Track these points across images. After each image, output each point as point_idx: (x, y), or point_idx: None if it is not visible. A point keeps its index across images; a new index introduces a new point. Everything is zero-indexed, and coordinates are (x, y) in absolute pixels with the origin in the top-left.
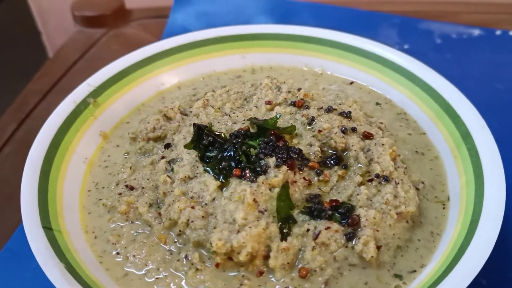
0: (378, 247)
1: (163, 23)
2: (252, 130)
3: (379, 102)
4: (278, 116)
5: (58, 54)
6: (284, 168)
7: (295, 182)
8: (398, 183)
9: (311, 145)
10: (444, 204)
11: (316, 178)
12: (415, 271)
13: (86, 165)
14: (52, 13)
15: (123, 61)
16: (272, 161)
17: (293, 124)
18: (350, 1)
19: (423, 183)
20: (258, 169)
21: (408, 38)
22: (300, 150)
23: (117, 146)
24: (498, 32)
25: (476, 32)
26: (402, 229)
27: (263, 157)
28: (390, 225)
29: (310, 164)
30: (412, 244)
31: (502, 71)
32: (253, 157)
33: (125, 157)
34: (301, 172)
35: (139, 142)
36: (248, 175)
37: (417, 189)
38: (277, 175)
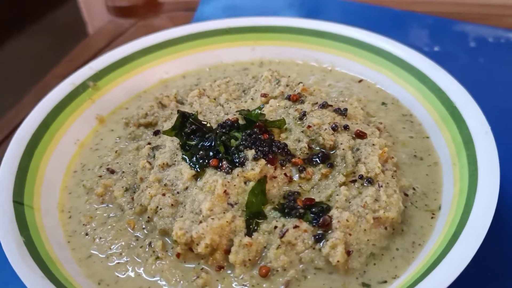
0: (348, 252)
1: (192, 16)
2: (241, 122)
3: (385, 102)
4: (261, 107)
5: (87, 42)
6: (263, 161)
7: (275, 177)
8: (382, 186)
9: (299, 141)
10: (433, 214)
11: (297, 175)
12: (385, 281)
13: (77, 147)
14: (95, 4)
15: (128, 48)
16: (251, 153)
17: (285, 118)
18: (385, 0)
19: (414, 189)
20: (236, 160)
21: (439, 40)
22: (285, 145)
23: (112, 130)
24: None
25: None
26: (379, 235)
27: (243, 149)
28: (365, 230)
29: (294, 160)
30: (388, 253)
31: None
32: (233, 148)
33: (116, 142)
34: (283, 167)
35: (130, 127)
36: (224, 166)
37: (406, 195)
38: (254, 168)
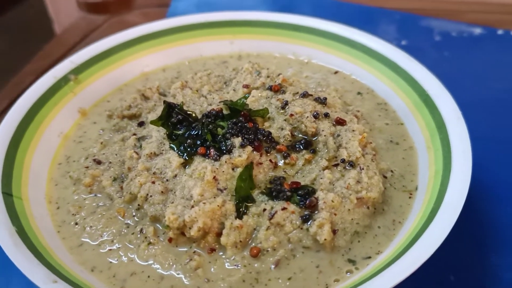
0: (334, 231)
1: (165, 12)
2: (225, 112)
3: (361, 92)
4: (247, 96)
5: (59, 38)
6: (249, 148)
7: (261, 163)
8: (363, 169)
9: (282, 129)
10: (411, 194)
11: (282, 161)
12: (369, 257)
13: (60, 139)
14: (62, 0)
15: (108, 41)
16: (237, 141)
17: (267, 107)
18: None
19: (392, 171)
20: (223, 148)
21: (407, 35)
22: (269, 133)
23: (94, 123)
24: (500, 32)
25: (478, 31)
26: (362, 215)
27: (229, 137)
28: (349, 210)
29: (278, 147)
30: (371, 231)
31: (501, 70)
32: (219, 136)
33: (100, 134)
34: (268, 154)
35: (114, 119)
36: (212, 153)
37: (385, 177)
38: (241, 155)
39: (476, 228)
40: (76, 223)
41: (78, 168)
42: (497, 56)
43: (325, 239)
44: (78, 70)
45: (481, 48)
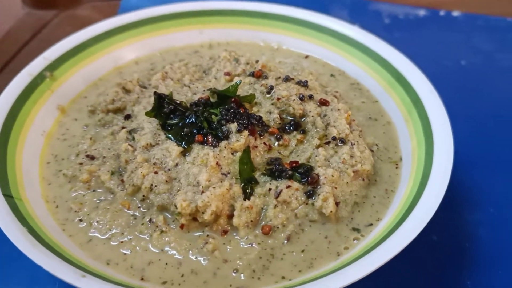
0: (337, 203)
1: (116, 6)
2: (212, 100)
3: (333, 73)
4: (238, 83)
5: (8, 36)
6: (246, 133)
7: (256, 147)
8: (354, 144)
9: (270, 113)
10: (397, 164)
11: (276, 143)
12: (371, 224)
13: (44, 138)
14: None
15: (80, 36)
16: (234, 126)
17: (253, 93)
18: None
19: (377, 145)
20: (220, 134)
21: (358, 19)
22: (260, 117)
23: (75, 119)
24: (441, 13)
25: (422, 12)
26: (358, 186)
27: (224, 123)
28: (347, 182)
29: (270, 130)
30: (368, 200)
31: (447, 49)
32: (215, 123)
33: (84, 130)
34: (261, 137)
35: (98, 114)
36: (210, 140)
37: (372, 151)
38: (239, 139)
39: (452, 192)
40: (81, 220)
41: (71, 165)
42: (441, 35)
43: (330, 211)
44: (53, 66)
45: (427, 28)
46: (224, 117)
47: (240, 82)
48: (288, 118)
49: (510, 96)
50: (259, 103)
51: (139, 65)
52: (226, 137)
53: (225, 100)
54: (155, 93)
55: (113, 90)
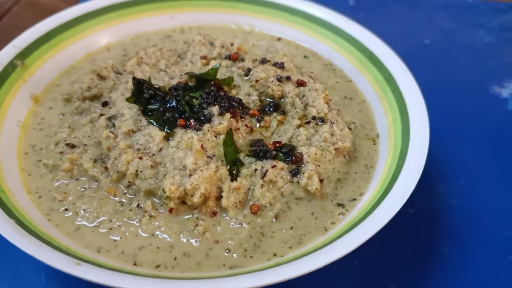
0: (321, 180)
1: None
2: (190, 84)
3: (306, 55)
4: (218, 66)
5: None
6: (228, 115)
7: (238, 129)
8: (333, 123)
9: (249, 95)
10: (374, 141)
11: (258, 125)
12: (355, 199)
13: (19, 128)
14: None
15: (49, 22)
16: (215, 109)
17: (231, 76)
18: None
19: (354, 123)
20: (202, 118)
21: (323, 2)
22: (240, 100)
23: (50, 108)
24: None
25: None
26: (340, 163)
27: (206, 106)
28: (329, 160)
29: (251, 112)
30: (350, 176)
31: (412, 28)
32: (196, 107)
33: (61, 118)
34: (242, 119)
35: (74, 102)
36: (193, 124)
37: (350, 128)
38: (222, 122)
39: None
40: (67, 209)
41: (51, 155)
42: (404, 15)
43: (316, 188)
44: (23, 54)
45: (390, 9)
46: (205, 100)
47: (220, 65)
48: (267, 99)
49: (471, 72)
50: (238, 86)
51: (110, 51)
52: (209, 120)
53: (203, 83)
54: (134, 78)
55: (88, 77)
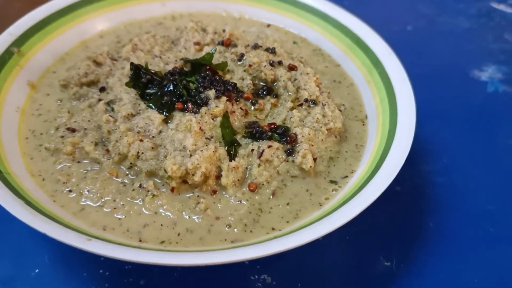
0: (314, 159)
1: None
2: (185, 69)
3: (295, 40)
4: (213, 51)
5: None
6: (224, 98)
7: (234, 112)
8: (325, 105)
9: (243, 79)
10: (363, 121)
11: (252, 108)
12: (347, 176)
13: (19, 114)
14: None
15: (44, 10)
16: (212, 93)
17: (224, 61)
18: None
19: (343, 105)
20: (199, 101)
21: None
22: (235, 84)
23: (48, 94)
24: None
25: None
26: (332, 143)
27: (202, 90)
28: (322, 140)
29: (245, 95)
30: (341, 155)
31: (394, 14)
32: (193, 91)
33: (59, 104)
34: (238, 103)
35: (72, 88)
36: (190, 107)
37: (340, 110)
38: (218, 105)
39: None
40: (70, 190)
41: (52, 139)
42: (386, 1)
43: (310, 166)
44: (19, 42)
45: None
46: (201, 84)
47: (215, 50)
48: (260, 83)
49: (452, 57)
50: (232, 71)
51: (104, 38)
52: (205, 103)
53: (198, 68)
54: (131, 63)
55: (85, 63)
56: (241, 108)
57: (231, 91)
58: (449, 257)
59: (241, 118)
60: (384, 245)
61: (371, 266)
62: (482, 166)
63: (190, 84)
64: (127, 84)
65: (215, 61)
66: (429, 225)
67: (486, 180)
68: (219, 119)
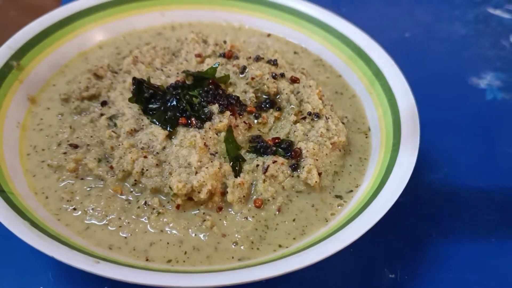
0: (319, 174)
1: None
2: (187, 82)
3: (296, 51)
4: (216, 65)
5: None
6: (228, 113)
7: (237, 126)
8: (328, 118)
9: (245, 92)
10: (366, 134)
11: (256, 121)
12: (351, 190)
13: (19, 130)
14: None
15: (42, 22)
16: (215, 107)
17: (226, 74)
18: None
19: (346, 117)
20: (203, 116)
21: None
22: (238, 97)
23: (48, 108)
24: None
25: None
26: (336, 157)
27: (206, 104)
28: (326, 154)
29: (248, 109)
30: (345, 169)
31: (392, 22)
32: (196, 105)
33: (60, 119)
34: (241, 116)
35: (73, 102)
36: (194, 122)
37: (343, 123)
38: (222, 120)
39: None
40: (75, 209)
41: (54, 155)
42: (383, 8)
43: (315, 181)
44: (18, 55)
45: (370, 2)
46: (205, 98)
47: (218, 64)
48: (263, 96)
49: (450, 64)
50: (234, 84)
51: (103, 49)
52: (209, 118)
53: (201, 82)
54: (134, 78)
55: (85, 77)
56: (244, 122)
57: (234, 105)
58: (452, 267)
59: (245, 132)
60: (388, 257)
61: (376, 279)
62: (482, 176)
63: (194, 98)
64: (130, 100)
65: (217, 74)
66: (432, 235)
67: (487, 189)
68: (223, 134)
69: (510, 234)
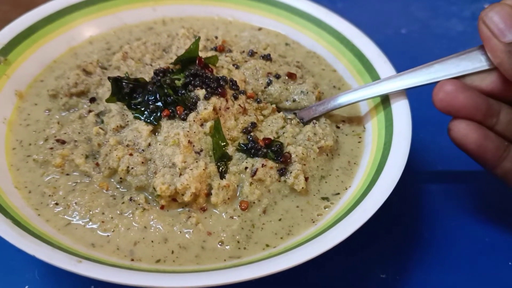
0: (306, 179)
1: None
2: (174, 69)
3: (288, 42)
4: (197, 38)
5: None
6: (213, 99)
7: (228, 108)
8: (316, 123)
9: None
10: (360, 137)
11: (256, 104)
12: (339, 193)
13: (6, 125)
14: None
15: (31, 16)
16: (201, 93)
17: (216, 55)
18: None
19: (343, 121)
20: (187, 103)
21: None
22: (235, 81)
23: (35, 104)
24: None
25: None
26: (323, 161)
27: (192, 88)
28: (314, 158)
29: (248, 94)
30: (333, 173)
31: (388, 18)
32: (180, 88)
33: (48, 114)
34: (236, 100)
35: (61, 98)
36: (179, 112)
37: (338, 127)
38: (207, 107)
39: None
40: (57, 203)
41: (40, 150)
42: (379, 4)
43: (302, 188)
44: (6, 50)
45: None
46: (192, 82)
47: (199, 38)
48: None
49: None
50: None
51: (93, 44)
52: (194, 104)
53: (188, 65)
54: (109, 78)
55: (74, 73)
56: (239, 105)
57: (225, 87)
58: (444, 268)
59: (238, 116)
60: (379, 257)
61: (367, 279)
62: (476, 175)
63: (176, 81)
64: (108, 100)
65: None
66: (425, 235)
67: (480, 189)
68: (209, 123)
69: (504, 234)
